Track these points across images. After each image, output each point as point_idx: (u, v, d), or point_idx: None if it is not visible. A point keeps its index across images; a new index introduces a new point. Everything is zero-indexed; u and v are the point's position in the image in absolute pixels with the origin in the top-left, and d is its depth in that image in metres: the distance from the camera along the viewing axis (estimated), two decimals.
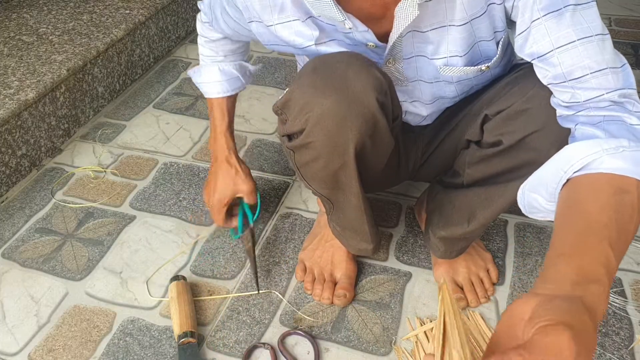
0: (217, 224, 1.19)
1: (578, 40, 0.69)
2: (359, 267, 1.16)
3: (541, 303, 0.50)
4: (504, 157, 0.87)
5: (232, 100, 1.13)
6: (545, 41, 0.71)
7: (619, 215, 0.60)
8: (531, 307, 0.50)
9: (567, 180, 0.66)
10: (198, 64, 1.14)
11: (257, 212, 1.16)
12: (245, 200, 1.15)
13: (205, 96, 1.13)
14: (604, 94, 0.70)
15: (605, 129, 0.68)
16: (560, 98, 0.74)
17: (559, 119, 0.76)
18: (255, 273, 1.12)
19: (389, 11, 0.77)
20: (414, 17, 0.74)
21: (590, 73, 0.70)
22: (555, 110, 0.76)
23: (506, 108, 0.84)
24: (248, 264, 1.17)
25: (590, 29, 0.69)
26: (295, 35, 0.83)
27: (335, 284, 1.10)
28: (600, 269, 0.55)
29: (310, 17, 0.81)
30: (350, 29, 0.79)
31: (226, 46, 1.09)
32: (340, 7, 0.75)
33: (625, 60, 0.72)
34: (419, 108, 0.95)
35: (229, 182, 1.13)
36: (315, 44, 0.83)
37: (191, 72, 1.16)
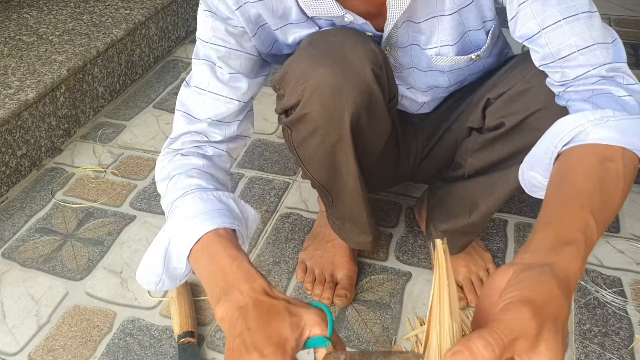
0: None
1: (563, 19, 0.71)
2: (359, 267, 1.16)
3: (514, 274, 0.50)
4: (507, 140, 0.88)
5: (237, 238, 0.75)
6: (532, 23, 0.73)
7: (603, 183, 0.61)
8: (507, 277, 0.50)
9: (558, 154, 0.67)
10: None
11: (330, 326, 0.63)
12: (317, 331, 0.62)
13: (187, 248, 0.70)
14: (591, 70, 0.71)
15: (594, 102, 0.69)
16: (552, 78, 0.76)
17: (556, 99, 0.77)
18: None
19: (384, 7, 0.79)
20: (406, 7, 0.76)
21: (577, 50, 0.71)
22: None
23: (507, 90, 0.85)
24: None
25: (576, 7, 0.71)
26: (299, 35, 0.84)
27: (335, 284, 1.10)
28: (577, 234, 0.55)
29: (311, 17, 0.82)
30: (350, 22, 0.80)
31: (216, 177, 0.82)
32: (339, 3, 0.77)
33: (616, 36, 0.74)
34: (415, 94, 0.96)
35: (283, 328, 0.60)
36: None
37: (144, 262, 0.75)
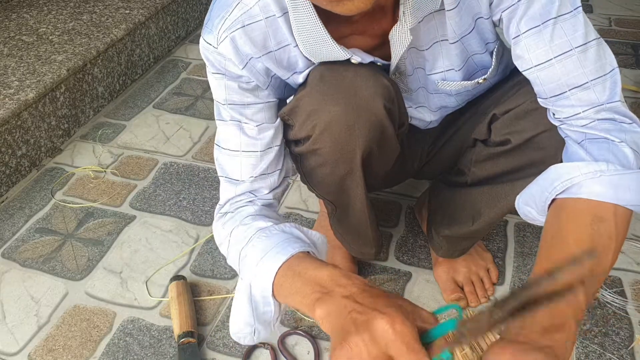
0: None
1: (555, 58, 0.69)
2: (359, 267, 1.16)
3: (516, 353, 0.53)
4: (511, 156, 0.87)
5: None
6: (526, 58, 0.72)
7: (594, 246, 0.63)
8: (506, 357, 0.53)
9: (553, 200, 0.69)
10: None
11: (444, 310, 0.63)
12: (433, 319, 0.61)
13: (270, 273, 0.66)
14: (581, 112, 0.70)
15: (587, 148, 0.70)
16: (549, 112, 0.76)
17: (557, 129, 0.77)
18: None
19: (386, 36, 0.77)
20: (409, 43, 0.75)
21: (569, 90, 0.70)
22: None
23: (515, 107, 0.84)
24: None
25: (570, 42, 0.69)
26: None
27: None
28: (568, 311, 0.58)
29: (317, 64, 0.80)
30: (358, 62, 0.78)
31: (271, 218, 0.80)
32: (342, 47, 0.75)
33: (614, 64, 0.71)
34: (424, 114, 0.95)
35: (396, 298, 0.58)
36: None
37: (234, 314, 0.73)
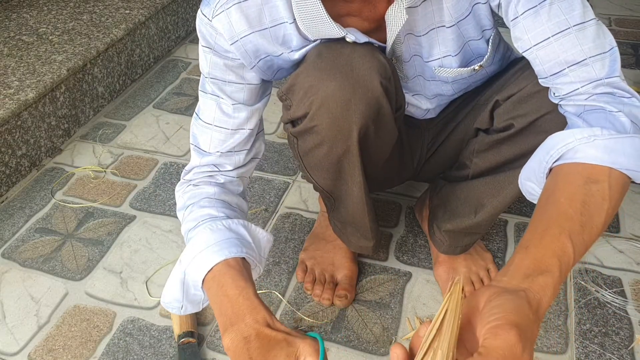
0: None
1: (552, 36, 0.70)
2: (359, 267, 1.16)
3: (491, 296, 0.55)
4: (514, 141, 0.88)
5: (248, 266, 0.80)
6: (525, 39, 0.73)
7: (586, 206, 0.62)
8: (484, 298, 0.55)
9: (550, 169, 0.69)
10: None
11: (322, 356, 0.69)
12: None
13: (201, 277, 0.76)
14: (580, 87, 0.71)
15: (585, 118, 0.71)
16: (550, 91, 0.77)
17: (558, 108, 0.78)
18: None
19: (383, 21, 0.78)
20: (404, 22, 0.75)
21: (568, 67, 0.71)
22: None
23: (517, 91, 0.84)
24: None
25: (567, 21, 0.70)
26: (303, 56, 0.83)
27: (335, 284, 1.10)
28: (553, 260, 0.59)
29: (313, 40, 0.81)
30: (352, 42, 0.79)
31: (228, 203, 0.87)
32: (339, 25, 0.76)
33: (613, 43, 0.72)
34: (421, 101, 0.95)
35: (280, 351, 0.67)
36: None
37: (167, 288, 0.82)
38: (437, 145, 1.04)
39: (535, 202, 0.76)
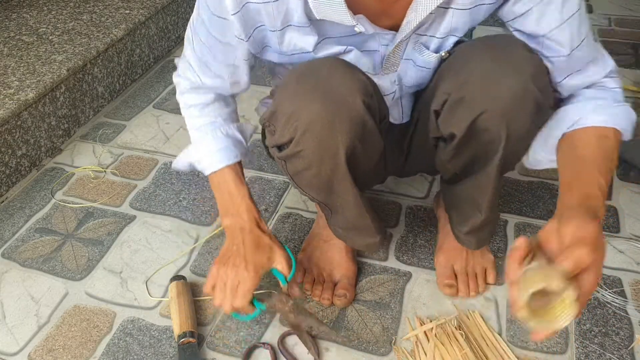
0: (244, 310, 0.96)
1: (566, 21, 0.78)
2: (359, 267, 1.16)
3: (562, 221, 0.68)
4: (467, 145, 0.88)
5: (241, 167, 1.00)
6: (541, 26, 0.79)
7: (603, 152, 0.80)
8: (555, 224, 0.69)
9: (563, 134, 0.84)
10: None
11: (293, 272, 0.99)
12: (282, 270, 0.98)
13: (207, 172, 0.98)
14: (591, 78, 0.85)
15: (589, 96, 0.86)
16: (555, 80, 0.85)
17: (557, 94, 0.87)
18: (311, 344, 1.00)
19: (395, 5, 0.78)
20: (437, 5, 0.76)
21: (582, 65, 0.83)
22: (492, 86, 0.80)
23: (447, 99, 0.85)
24: None
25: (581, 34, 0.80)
26: (294, 43, 0.83)
27: (335, 284, 1.10)
28: (595, 190, 0.74)
29: (314, 22, 0.81)
30: (359, 33, 0.79)
31: (222, 109, 1.00)
32: (350, 12, 0.75)
33: (603, 50, 0.86)
34: (400, 105, 0.97)
35: (263, 256, 0.95)
36: (314, 50, 0.83)
37: (180, 160, 1.03)
38: (407, 146, 1.04)
39: (535, 168, 0.95)
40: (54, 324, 1.07)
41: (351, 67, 0.80)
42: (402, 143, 1.05)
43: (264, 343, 1.01)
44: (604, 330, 1.03)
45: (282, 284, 0.99)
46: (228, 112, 1.01)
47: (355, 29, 0.78)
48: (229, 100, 1.03)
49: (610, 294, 1.09)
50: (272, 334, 1.04)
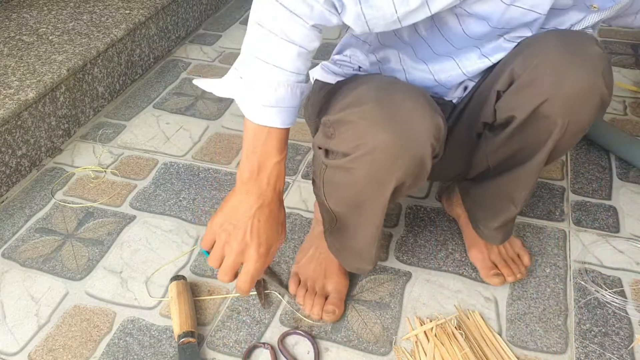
0: (244, 293, 0.87)
1: None
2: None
3: None
4: (521, 133, 0.88)
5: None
6: None
7: None
8: None
9: None
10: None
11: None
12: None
13: (272, 124, 0.79)
14: None
15: None
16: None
17: None
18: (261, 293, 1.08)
19: None
20: None
21: None
22: (563, 75, 0.79)
23: (515, 80, 0.84)
24: None
25: None
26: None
27: (326, 297, 1.07)
28: None
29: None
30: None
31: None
32: None
33: None
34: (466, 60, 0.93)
35: (275, 233, 0.85)
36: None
37: (217, 86, 0.85)
38: (446, 143, 1.03)
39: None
40: (54, 324, 1.07)
41: (434, 107, 0.79)
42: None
43: (264, 343, 1.01)
44: (603, 330, 1.03)
45: None
46: (308, 60, 0.80)
47: None
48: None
49: (610, 294, 1.09)
50: (272, 334, 1.04)
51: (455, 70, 0.93)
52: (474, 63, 0.91)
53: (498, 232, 1.05)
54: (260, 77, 0.76)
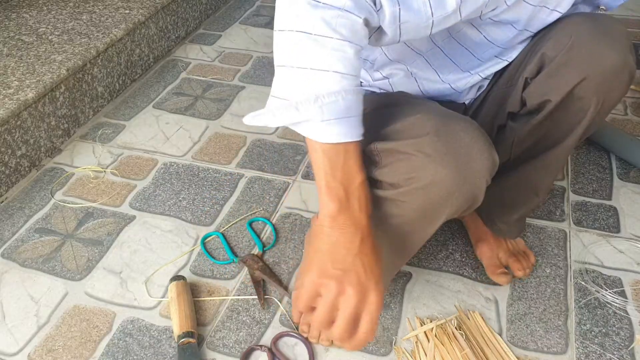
0: (363, 344, 0.76)
1: None
2: None
3: None
4: (554, 117, 0.88)
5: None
6: None
7: None
8: None
9: None
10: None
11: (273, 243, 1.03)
12: None
13: (347, 139, 0.68)
14: None
15: None
16: None
17: None
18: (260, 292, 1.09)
19: None
20: None
21: None
22: (597, 54, 0.79)
23: (547, 64, 0.84)
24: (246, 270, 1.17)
25: None
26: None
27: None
28: None
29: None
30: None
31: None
32: None
33: None
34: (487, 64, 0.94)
35: (380, 262, 0.74)
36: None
37: (267, 117, 0.73)
38: None
39: None
40: (53, 324, 1.07)
41: (489, 142, 0.77)
42: None
43: (260, 345, 1.01)
44: (604, 330, 1.03)
45: (259, 250, 1.15)
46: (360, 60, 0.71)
47: None
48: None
49: (610, 294, 1.09)
50: (272, 335, 1.04)
51: (474, 76, 0.93)
52: (491, 66, 0.92)
53: (516, 225, 1.04)
54: (321, 87, 0.66)
